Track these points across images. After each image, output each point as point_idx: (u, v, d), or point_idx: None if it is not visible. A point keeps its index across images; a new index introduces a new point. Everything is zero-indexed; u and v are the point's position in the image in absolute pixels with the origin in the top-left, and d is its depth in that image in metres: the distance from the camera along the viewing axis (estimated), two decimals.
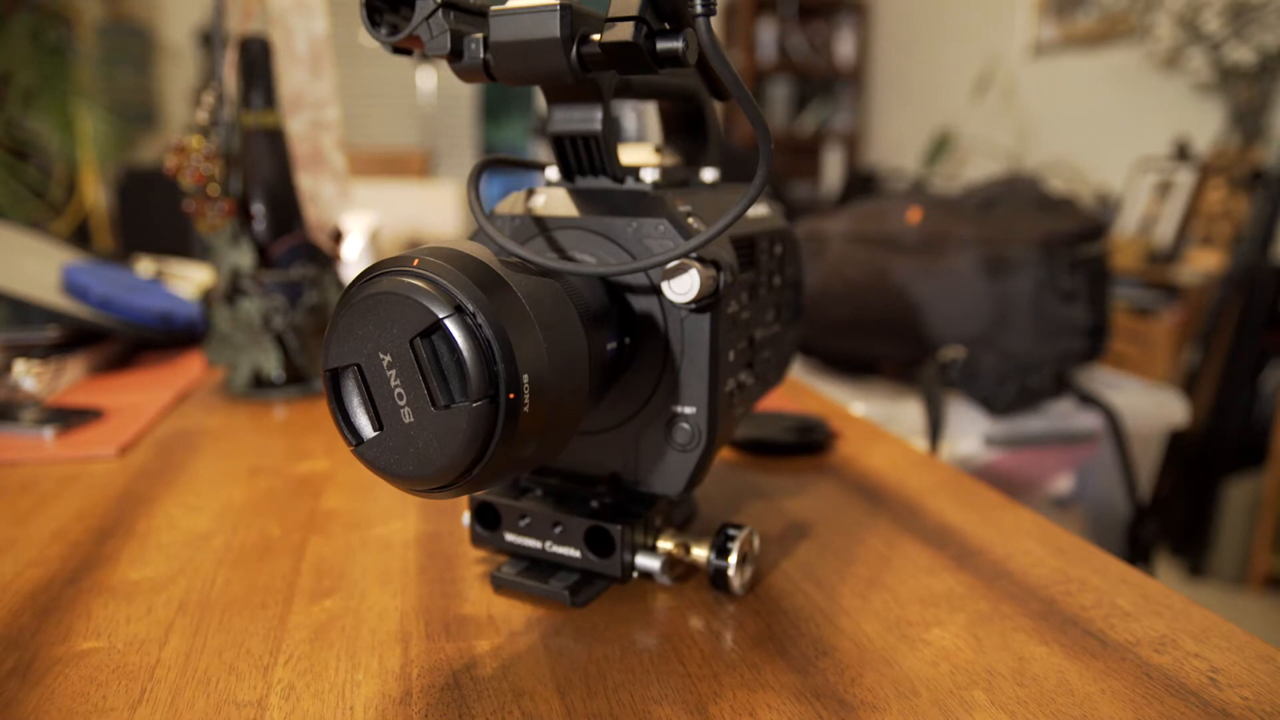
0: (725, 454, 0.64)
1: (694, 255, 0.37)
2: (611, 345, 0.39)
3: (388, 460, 0.30)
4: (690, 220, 0.40)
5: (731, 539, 0.41)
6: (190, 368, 0.89)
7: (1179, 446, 1.87)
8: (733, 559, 0.41)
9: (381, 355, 0.29)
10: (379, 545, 0.49)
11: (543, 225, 0.42)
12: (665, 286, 0.37)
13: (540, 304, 0.31)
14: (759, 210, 0.48)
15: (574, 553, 0.42)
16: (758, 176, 0.33)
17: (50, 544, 0.48)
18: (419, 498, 0.52)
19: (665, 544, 0.42)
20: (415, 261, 0.29)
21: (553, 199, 0.42)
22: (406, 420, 0.29)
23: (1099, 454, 1.21)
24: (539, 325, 0.30)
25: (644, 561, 0.41)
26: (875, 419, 0.99)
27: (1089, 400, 1.15)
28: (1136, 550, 1.18)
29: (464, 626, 0.40)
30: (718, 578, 0.42)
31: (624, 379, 0.41)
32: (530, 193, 0.43)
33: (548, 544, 0.42)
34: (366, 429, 0.31)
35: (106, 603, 0.42)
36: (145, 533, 0.50)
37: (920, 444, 1.02)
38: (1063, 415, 1.16)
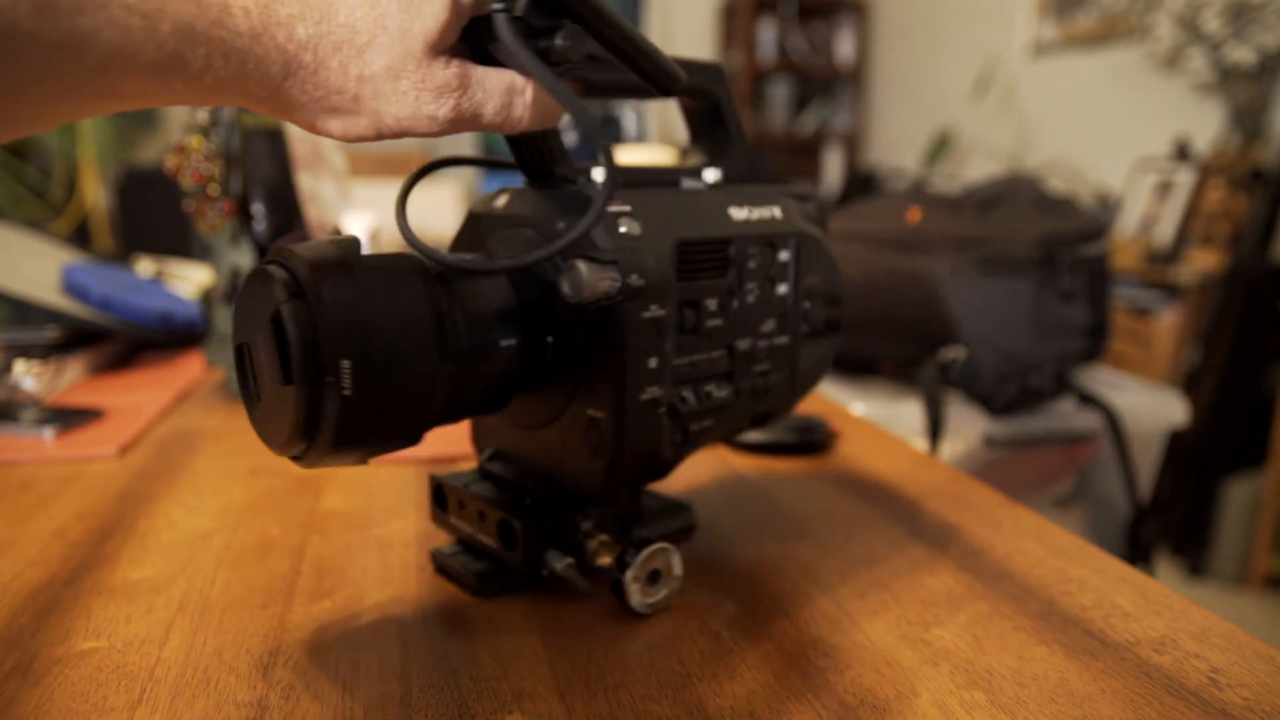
0: (725, 454, 0.64)
1: (601, 256, 0.37)
2: (509, 342, 0.38)
3: (261, 429, 0.34)
4: (622, 221, 0.39)
5: (634, 554, 0.41)
6: (190, 368, 0.89)
7: (1179, 446, 1.87)
8: (630, 572, 0.40)
9: (256, 335, 0.33)
10: (379, 545, 0.49)
11: (498, 224, 0.42)
12: (562, 286, 0.37)
13: (386, 297, 0.33)
14: (760, 211, 0.45)
15: (492, 542, 0.43)
16: (603, 185, 0.33)
17: (50, 544, 0.48)
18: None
19: (593, 545, 0.42)
20: (286, 251, 0.33)
21: (513, 200, 0.42)
22: (268, 395, 0.33)
23: (1099, 454, 1.21)
24: (377, 316, 0.32)
25: (552, 560, 0.41)
26: (875, 419, 0.99)
27: (1089, 400, 1.15)
28: (1136, 550, 1.18)
29: (464, 626, 0.40)
30: (616, 588, 0.41)
31: (556, 378, 0.41)
32: (498, 193, 0.44)
33: (477, 531, 0.43)
34: (252, 400, 0.34)
35: (106, 603, 0.42)
36: (145, 533, 0.50)
37: (920, 444, 1.02)
38: (1063, 415, 1.16)
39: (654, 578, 0.42)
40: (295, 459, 0.33)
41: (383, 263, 0.34)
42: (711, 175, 0.47)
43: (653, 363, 0.40)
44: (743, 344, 0.44)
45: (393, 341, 0.33)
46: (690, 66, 0.45)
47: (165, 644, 0.38)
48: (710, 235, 0.42)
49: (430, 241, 0.38)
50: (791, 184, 0.49)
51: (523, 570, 0.41)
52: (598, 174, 0.42)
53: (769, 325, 0.45)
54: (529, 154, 0.41)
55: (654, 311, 0.39)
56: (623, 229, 0.39)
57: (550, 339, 0.40)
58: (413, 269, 0.35)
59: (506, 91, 0.34)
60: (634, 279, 0.37)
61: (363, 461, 0.35)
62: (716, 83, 0.46)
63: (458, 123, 0.34)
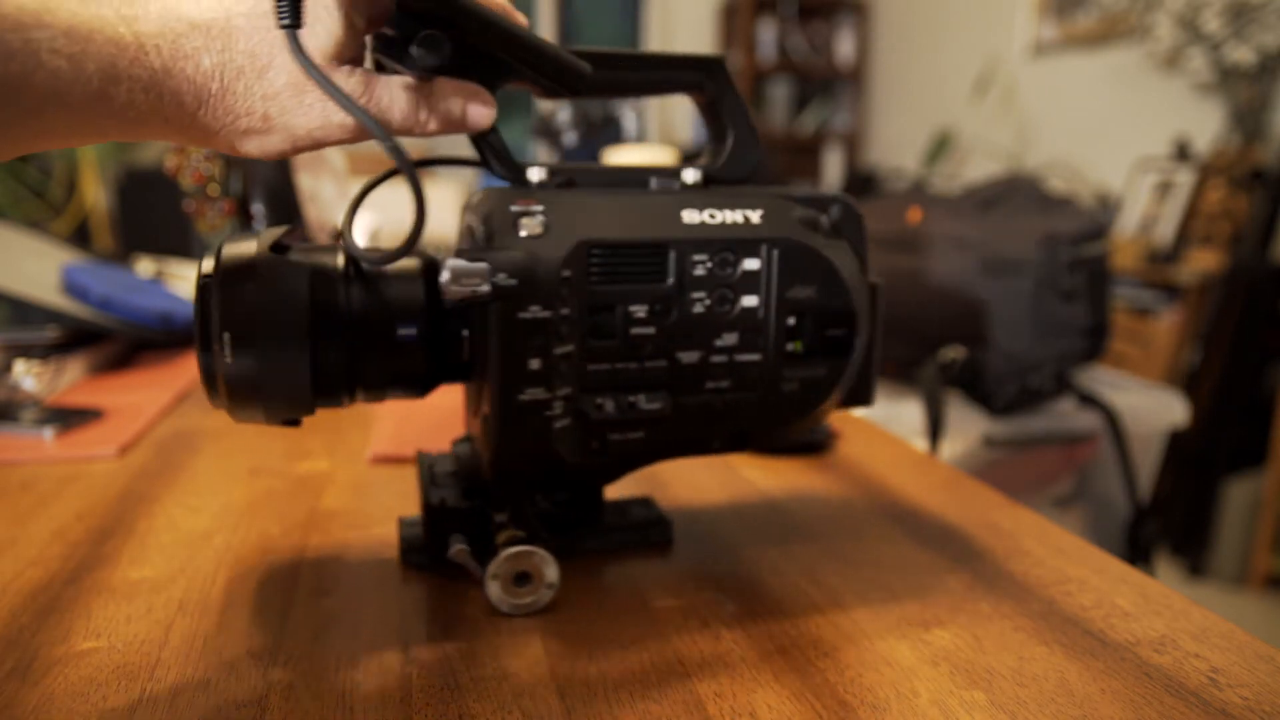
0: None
1: (471, 255, 0.38)
2: (407, 332, 0.39)
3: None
4: (523, 222, 0.39)
5: (499, 552, 0.41)
6: (190, 368, 0.89)
7: (1179, 446, 1.87)
8: (490, 568, 0.41)
9: None
10: (379, 545, 0.49)
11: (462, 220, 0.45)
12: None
13: (269, 284, 0.37)
14: (728, 215, 0.42)
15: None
16: (414, 202, 0.34)
17: (50, 544, 0.48)
18: None
19: (502, 539, 0.42)
20: (219, 245, 0.38)
21: (485, 198, 0.43)
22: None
23: (1099, 454, 1.21)
24: (258, 300, 0.36)
25: (452, 543, 0.43)
26: (875, 419, 0.99)
27: (1089, 400, 1.15)
28: (1136, 550, 1.18)
29: (464, 626, 0.40)
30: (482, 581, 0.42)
31: (474, 372, 0.42)
32: (481, 191, 0.45)
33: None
34: None
35: (106, 603, 0.42)
36: (145, 533, 0.50)
37: (920, 444, 1.02)
38: (1063, 415, 1.16)
39: (522, 579, 0.41)
40: (229, 412, 0.39)
41: (287, 256, 0.37)
42: (691, 175, 0.45)
43: (534, 364, 0.39)
44: (687, 356, 0.42)
45: (268, 322, 0.36)
46: (686, 61, 0.44)
47: (165, 644, 0.38)
48: (636, 238, 0.40)
49: (430, 239, 0.39)
50: (792, 185, 0.49)
51: (429, 549, 0.45)
52: (532, 173, 0.42)
53: (728, 339, 0.42)
54: (485, 154, 0.42)
55: (535, 312, 0.39)
56: (523, 232, 0.39)
57: (465, 333, 0.40)
58: (311, 263, 0.38)
59: (412, 96, 0.36)
60: (501, 278, 0.38)
61: (271, 420, 0.38)
62: (714, 78, 0.44)
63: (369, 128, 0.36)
